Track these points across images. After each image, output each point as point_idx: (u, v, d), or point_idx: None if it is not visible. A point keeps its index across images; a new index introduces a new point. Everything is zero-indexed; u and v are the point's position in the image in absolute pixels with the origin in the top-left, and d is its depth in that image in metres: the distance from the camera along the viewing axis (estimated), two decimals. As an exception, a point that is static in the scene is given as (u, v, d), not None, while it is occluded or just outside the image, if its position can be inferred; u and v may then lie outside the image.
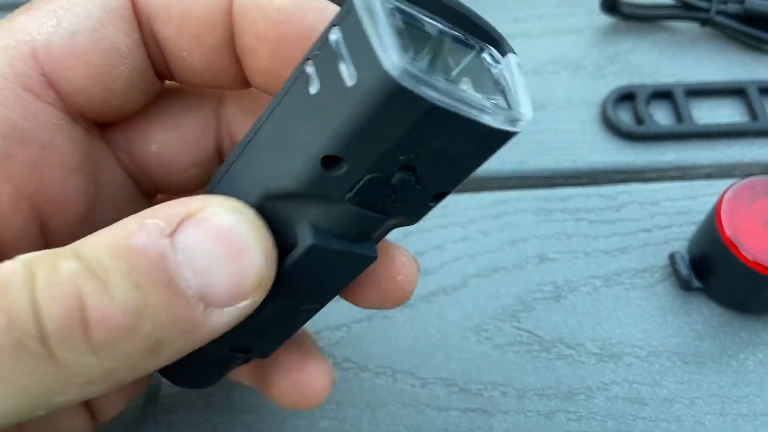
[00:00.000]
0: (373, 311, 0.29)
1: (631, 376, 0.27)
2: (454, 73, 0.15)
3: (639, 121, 0.34)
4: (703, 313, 0.29)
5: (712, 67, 0.37)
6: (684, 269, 0.29)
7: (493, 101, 0.15)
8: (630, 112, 0.35)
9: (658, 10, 0.38)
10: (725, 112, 0.35)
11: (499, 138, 0.15)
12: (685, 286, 0.29)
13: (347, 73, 0.13)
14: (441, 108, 0.13)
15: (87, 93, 0.18)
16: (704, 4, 0.37)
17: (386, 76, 0.12)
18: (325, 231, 0.16)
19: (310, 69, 0.14)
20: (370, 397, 0.27)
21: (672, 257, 0.29)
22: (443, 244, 0.31)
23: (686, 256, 0.29)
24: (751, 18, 0.37)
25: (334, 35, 0.13)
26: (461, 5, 0.15)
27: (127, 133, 0.20)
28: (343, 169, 0.14)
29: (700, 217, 0.30)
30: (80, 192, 0.18)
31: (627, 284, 0.30)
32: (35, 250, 0.14)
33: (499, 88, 0.15)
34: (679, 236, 0.31)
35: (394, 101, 0.12)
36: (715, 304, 0.29)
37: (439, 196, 0.17)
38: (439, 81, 0.13)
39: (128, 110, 0.19)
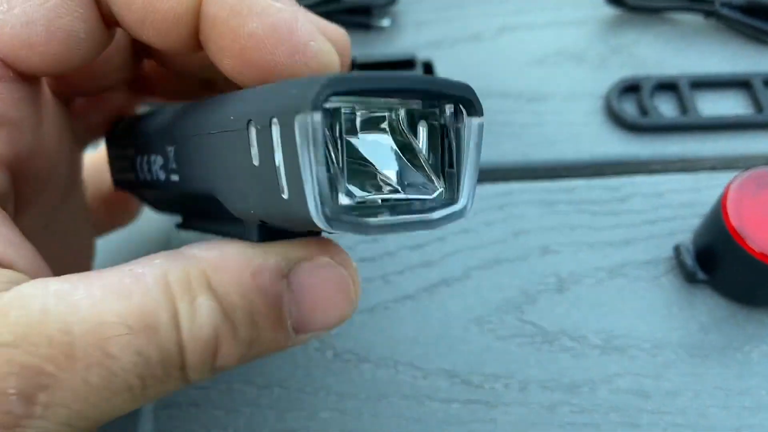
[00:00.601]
0: (374, 303, 0.29)
1: (635, 369, 0.27)
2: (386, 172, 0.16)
3: (643, 112, 0.34)
4: (707, 305, 0.28)
5: (716, 60, 0.37)
6: (689, 261, 0.28)
7: (426, 200, 0.16)
8: (634, 104, 0.35)
9: (663, 2, 0.37)
10: (730, 105, 0.35)
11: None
12: (689, 278, 0.29)
13: (284, 182, 0.14)
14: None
15: (44, 72, 0.18)
16: (709, -4, 0.36)
17: (312, 218, 0.14)
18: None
19: (252, 135, 0.15)
20: (371, 388, 0.27)
21: (677, 249, 0.29)
22: (445, 235, 0.31)
23: (691, 248, 0.29)
24: (756, 10, 0.36)
25: (276, 131, 0.14)
26: (418, 81, 0.15)
27: None
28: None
29: (705, 210, 0.29)
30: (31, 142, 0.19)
31: (631, 276, 0.29)
32: None
33: (448, 171, 0.16)
34: (684, 228, 0.30)
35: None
36: (719, 297, 0.28)
37: None
38: (360, 219, 0.14)
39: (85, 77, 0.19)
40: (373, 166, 0.15)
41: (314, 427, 0.26)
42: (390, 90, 0.15)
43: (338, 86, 0.13)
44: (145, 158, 0.21)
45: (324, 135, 0.13)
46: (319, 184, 0.13)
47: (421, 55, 0.35)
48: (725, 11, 0.36)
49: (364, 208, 0.15)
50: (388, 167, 0.16)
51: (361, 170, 0.15)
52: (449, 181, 0.16)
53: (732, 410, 0.26)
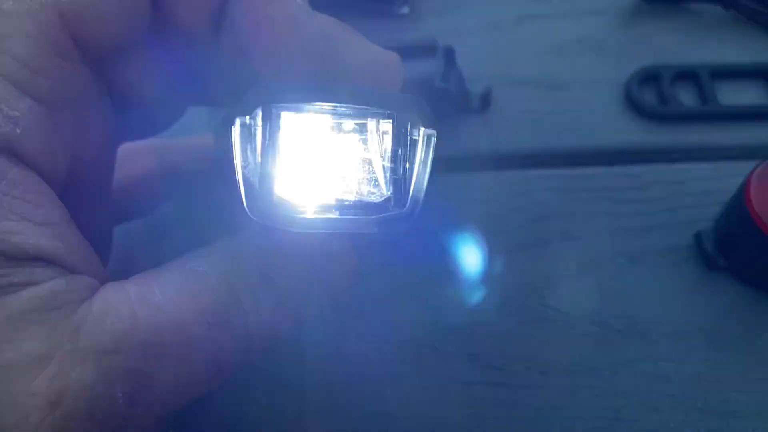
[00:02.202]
0: (395, 287, 0.29)
1: (656, 354, 0.27)
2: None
3: (663, 101, 0.34)
4: (728, 291, 0.28)
5: (735, 50, 0.37)
6: (710, 248, 0.29)
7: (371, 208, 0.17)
8: (654, 93, 0.35)
9: (683, -8, 0.37)
10: (750, 94, 0.35)
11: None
12: (710, 264, 0.29)
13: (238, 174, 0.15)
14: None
15: (104, 43, 0.18)
16: (730, -14, 0.36)
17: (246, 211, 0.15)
18: None
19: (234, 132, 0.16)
20: (393, 370, 0.27)
21: (698, 236, 0.29)
22: (466, 221, 0.31)
23: (712, 235, 0.29)
24: (776, 1, 0.36)
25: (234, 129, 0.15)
26: (371, 98, 0.16)
27: None
28: None
29: (725, 198, 0.30)
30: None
31: (652, 263, 0.29)
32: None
33: (394, 177, 0.17)
34: (705, 216, 0.31)
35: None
36: (740, 284, 0.29)
37: None
38: (289, 215, 0.16)
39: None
40: (325, 167, 0.17)
41: (337, 407, 0.26)
42: (332, 102, 0.16)
43: (277, 98, 0.15)
44: None
45: (255, 137, 0.15)
46: (244, 182, 0.15)
47: (441, 43, 0.35)
48: (745, 2, 0.36)
49: (317, 207, 0.16)
50: (341, 170, 0.17)
51: (307, 170, 0.16)
52: (397, 187, 0.17)
53: (753, 395, 0.26)
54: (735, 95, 0.35)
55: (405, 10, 0.38)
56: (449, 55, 0.33)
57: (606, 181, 0.32)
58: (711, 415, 0.26)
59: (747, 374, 0.27)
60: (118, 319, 0.15)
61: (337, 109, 0.16)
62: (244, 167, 0.15)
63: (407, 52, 0.34)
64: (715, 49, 0.37)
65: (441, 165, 0.33)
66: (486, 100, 0.34)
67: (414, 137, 0.17)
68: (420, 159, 0.17)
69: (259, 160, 0.15)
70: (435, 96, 0.32)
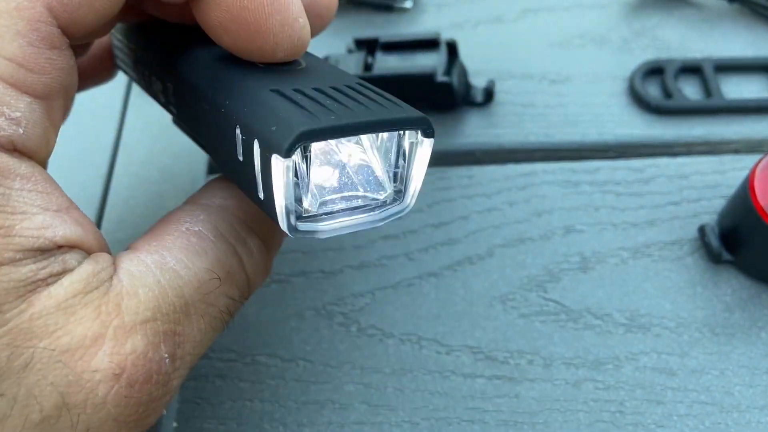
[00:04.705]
0: (398, 280, 0.29)
1: (660, 347, 0.27)
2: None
3: (667, 95, 0.34)
4: (732, 285, 0.28)
5: (740, 44, 0.36)
6: (714, 241, 0.28)
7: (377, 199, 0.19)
8: (658, 87, 0.34)
9: (687, -14, 0.37)
10: (754, 88, 0.35)
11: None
12: (714, 258, 0.29)
13: (260, 187, 0.17)
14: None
15: (89, 27, 0.18)
16: (734, -20, 0.36)
17: (278, 225, 0.17)
18: None
19: (238, 138, 0.17)
20: (395, 362, 0.27)
21: (702, 229, 0.29)
22: (468, 214, 0.31)
23: (716, 229, 0.29)
24: (781, -5, 0.36)
25: (257, 150, 0.17)
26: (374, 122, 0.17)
27: None
28: None
29: (730, 191, 0.29)
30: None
31: (655, 256, 0.29)
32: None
33: (398, 177, 0.20)
34: (708, 210, 0.30)
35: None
36: (744, 277, 0.28)
37: None
38: (314, 226, 0.18)
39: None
40: (338, 171, 0.19)
41: (339, 399, 0.26)
42: (357, 132, 0.17)
43: (309, 138, 0.16)
44: (147, 72, 0.23)
45: (294, 171, 0.16)
46: (286, 206, 0.17)
47: (444, 36, 0.35)
48: (749, -5, 0.36)
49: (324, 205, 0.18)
50: (350, 172, 0.19)
51: (325, 174, 0.18)
52: (399, 184, 0.20)
53: (758, 389, 0.26)
54: (739, 89, 0.34)
55: (408, 4, 0.38)
56: (452, 48, 0.33)
57: (610, 175, 0.32)
58: (715, 408, 0.26)
59: (752, 367, 0.26)
60: (148, 289, 0.17)
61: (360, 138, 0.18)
62: (281, 193, 0.16)
63: (410, 46, 0.34)
64: (720, 43, 0.36)
65: (444, 158, 0.33)
66: (489, 93, 0.34)
67: (422, 144, 0.19)
68: (419, 162, 0.19)
69: (290, 190, 0.16)
70: (438, 89, 0.32)
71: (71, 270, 0.16)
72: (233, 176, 0.20)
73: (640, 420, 0.25)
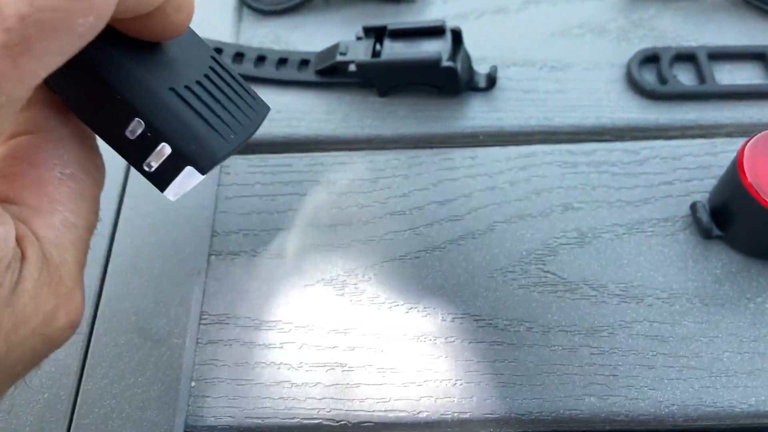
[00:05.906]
0: (404, 253, 0.30)
1: (652, 316, 0.28)
2: None
3: (663, 81, 0.35)
4: (722, 259, 0.30)
5: (733, 34, 0.38)
6: (705, 217, 0.30)
7: None
8: (654, 73, 0.36)
9: (683, -22, 0.39)
10: (746, 75, 0.36)
11: None
12: (705, 234, 0.30)
13: (153, 163, 0.19)
14: None
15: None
16: (728, -28, 0.38)
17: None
18: None
19: (134, 124, 0.19)
20: (401, 328, 0.28)
21: (693, 206, 0.31)
22: (471, 192, 0.33)
23: (707, 206, 0.30)
24: (774, -13, 0.38)
25: (165, 149, 0.19)
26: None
27: None
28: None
29: (721, 172, 0.31)
30: None
31: (649, 232, 0.31)
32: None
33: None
34: (700, 189, 0.32)
35: None
36: (734, 252, 0.30)
37: None
38: None
39: None
40: None
41: (347, 362, 0.28)
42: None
43: (222, 160, 0.19)
44: None
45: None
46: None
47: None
48: (743, -12, 0.38)
49: None
50: None
51: None
52: None
53: (745, 355, 0.27)
54: (732, 76, 0.36)
55: (414, -5, 0.40)
56: (457, 36, 0.35)
57: (606, 157, 0.33)
58: (704, 372, 0.27)
59: (739, 335, 0.28)
60: (69, 253, 0.18)
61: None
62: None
63: (416, 34, 0.35)
64: (714, 33, 0.38)
65: (449, 140, 0.34)
66: (492, 79, 0.35)
67: None
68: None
69: None
70: (443, 74, 0.34)
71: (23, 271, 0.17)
72: (99, 130, 0.20)
73: (633, 383, 0.27)
